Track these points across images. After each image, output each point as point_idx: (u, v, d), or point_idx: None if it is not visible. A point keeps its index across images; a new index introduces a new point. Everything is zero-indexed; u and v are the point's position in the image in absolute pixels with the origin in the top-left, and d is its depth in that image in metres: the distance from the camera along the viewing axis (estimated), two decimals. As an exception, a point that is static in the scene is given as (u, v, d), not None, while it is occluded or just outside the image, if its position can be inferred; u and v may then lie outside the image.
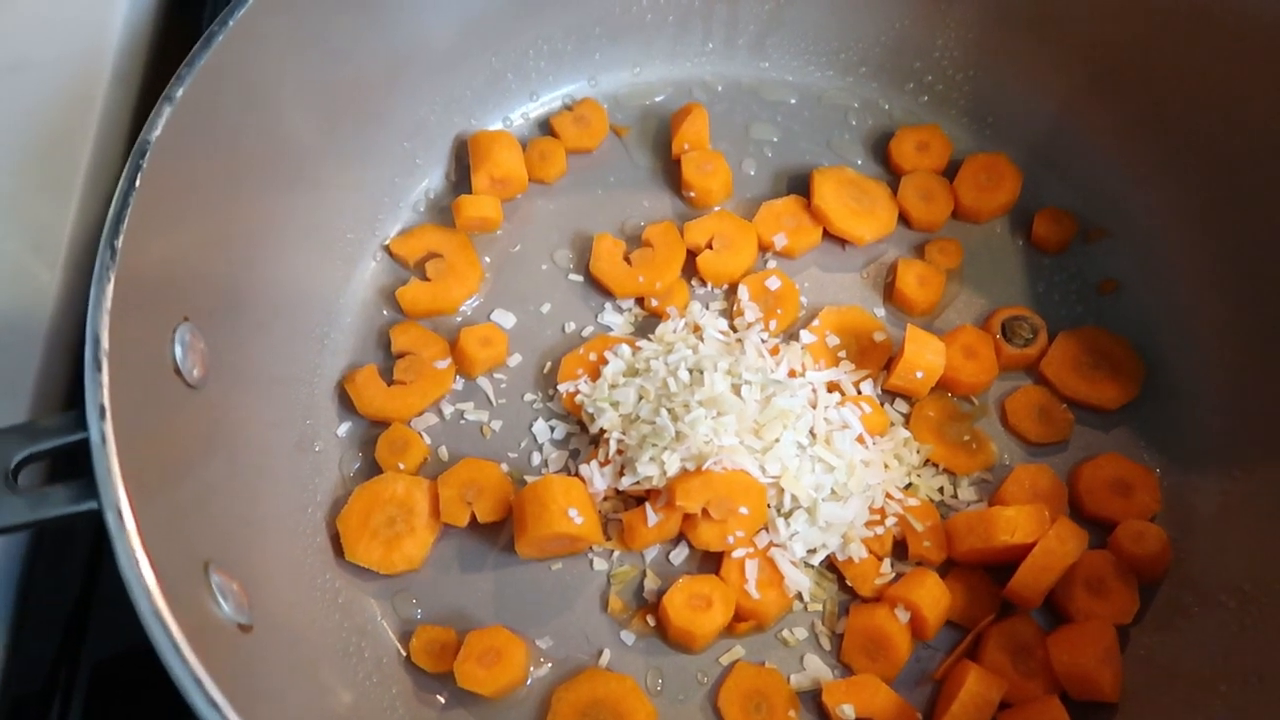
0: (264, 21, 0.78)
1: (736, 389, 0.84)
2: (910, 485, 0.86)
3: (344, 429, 0.89)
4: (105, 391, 0.62)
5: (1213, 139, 0.88)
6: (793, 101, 1.06)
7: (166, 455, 0.70)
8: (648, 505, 0.82)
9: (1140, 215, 0.95)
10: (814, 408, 0.85)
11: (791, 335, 0.92)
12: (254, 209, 0.84)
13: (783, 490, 0.81)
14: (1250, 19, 0.79)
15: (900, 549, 0.83)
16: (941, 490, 0.86)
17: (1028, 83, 0.99)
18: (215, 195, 0.79)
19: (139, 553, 0.58)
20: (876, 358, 0.91)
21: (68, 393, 0.88)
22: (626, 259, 0.96)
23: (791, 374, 0.87)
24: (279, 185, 0.86)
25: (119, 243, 0.67)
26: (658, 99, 1.06)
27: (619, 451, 0.84)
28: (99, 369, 0.63)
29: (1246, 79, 0.82)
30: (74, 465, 0.63)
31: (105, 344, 0.63)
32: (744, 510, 0.79)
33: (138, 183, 0.69)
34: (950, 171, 1.00)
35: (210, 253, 0.79)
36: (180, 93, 0.73)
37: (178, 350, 0.72)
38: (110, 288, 0.65)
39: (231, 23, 0.76)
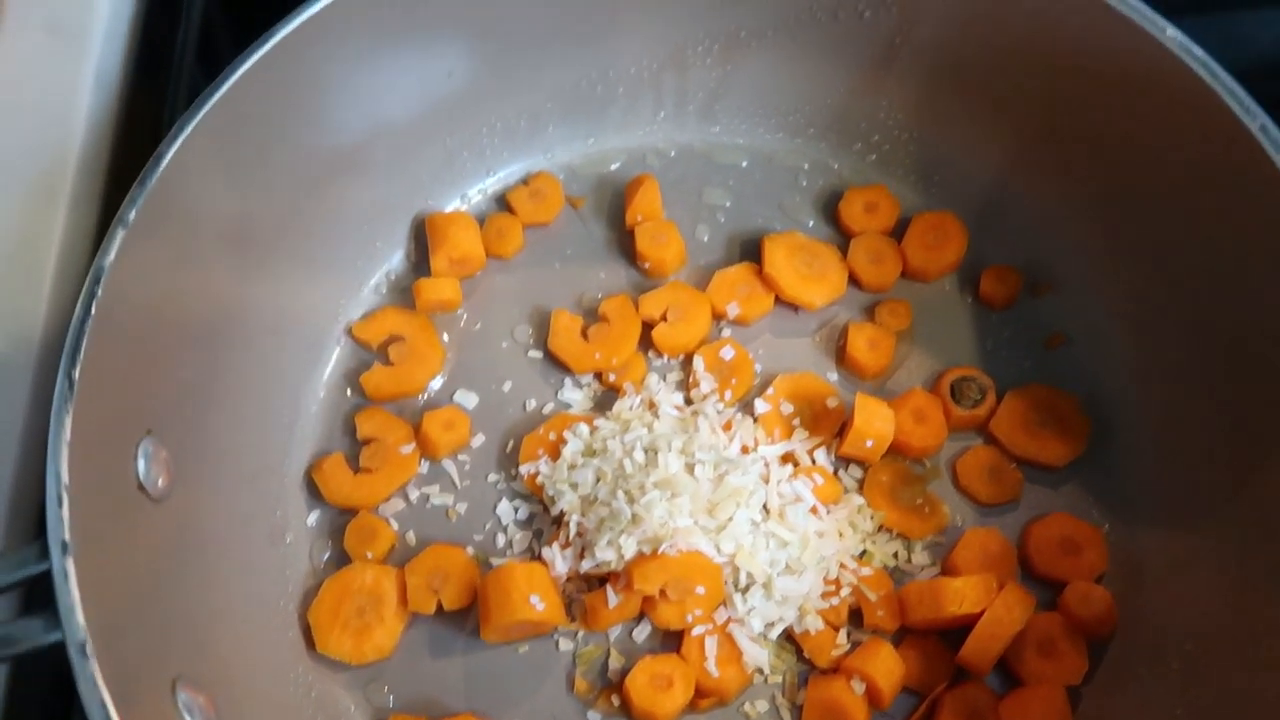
0: (215, 133, 0.80)
1: (690, 468, 0.86)
2: (865, 553, 0.88)
3: (313, 518, 0.92)
4: (66, 526, 0.64)
5: (1149, 195, 0.90)
6: (744, 164, 1.08)
7: (134, 575, 0.72)
8: (609, 587, 0.84)
9: (1084, 270, 0.97)
10: (767, 483, 0.87)
11: (747, 404, 0.94)
12: (216, 310, 0.86)
13: (738, 567, 0.83)
14: (1174, 82, 0.81)
15: (856, 617, 0.86)
16: (896, 555, 0.89)
17: (969, 142, 1.01)
18: (175, 307, 0.81)
19: (101, 688, 0.60)
20: (830, 424, 0.93)
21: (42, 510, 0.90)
22: (584, 334, 0.98)
23: (744, 450, 0.89)
24: (241, 283, 0.89)
25: (76, 372, 0.69)
26: (612, 168, 1.08)
27: (579, 534, 0.86)
28: (60, 504, 0.65)
29: (1176, 138, 0.84)
30: (50, 592, 0.65)
31: (65, 478, 0.66)
32: (701, 590, 0.82)
33: (93, 310, 0.71)
34: (899, 230, 1.02)
35: (172, 362, 0.81)
36: (133, 215, 0.75)
37: (141, 465, 0.75)
38: (69, 420, 0.68)
39: (180, 139, 0.78)
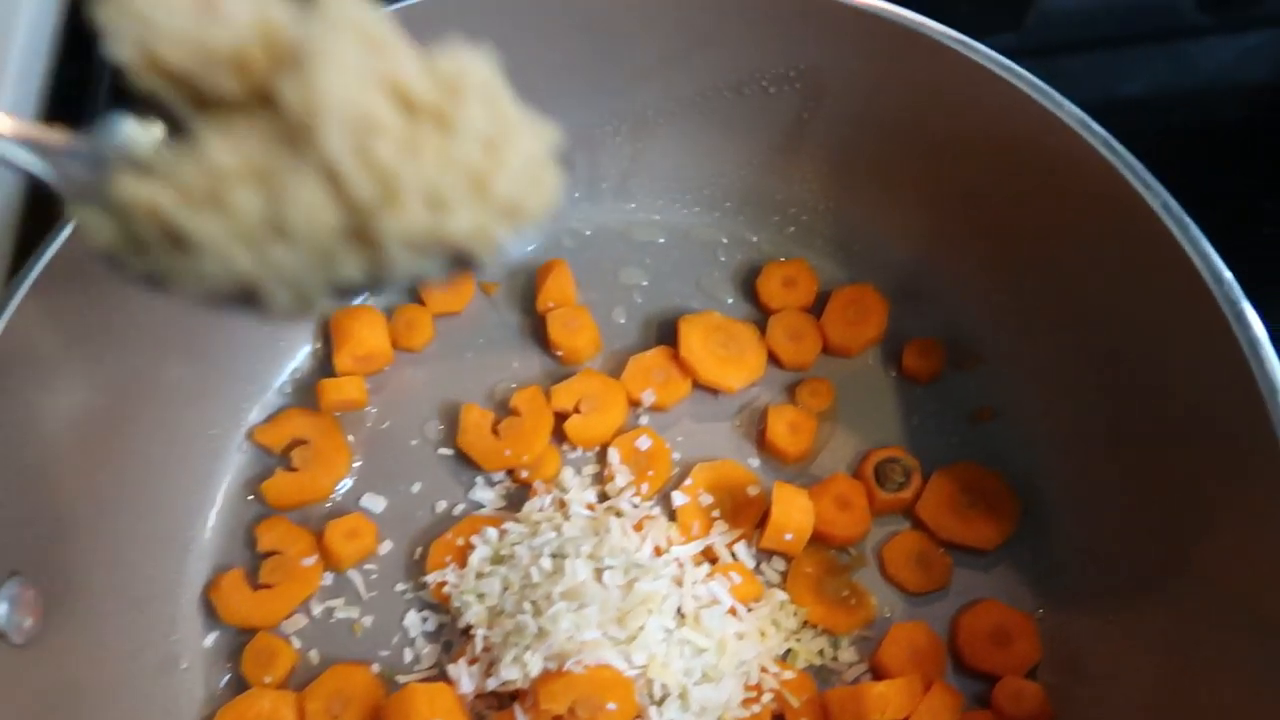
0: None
1: (599, 574, 0.82)
2: (789, 652, 0.84)
3: (211, 639, 0.87)
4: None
5: (1064, 267, 0.87)
6: (661, 241, 1.06)
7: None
8: (516, 707, 0.80)
9: (1008, 341, 0.95)
10: (681, 585, 0.83)
11: (665, 496, 0.91)
12: (96, 426, 0.82)
13: (652, 679, 0.79)
14: (1075, 159, 0.79)
15: (780, 724, 0.82)
16: (822, 653, 0.85)
17: (885, 214, 0.98)
18: (49, 436, 0.77)
19: None
20: (751, 514, 0.89)
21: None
22: (495, 430, 0.94)
23: (657, 551, 0.85)
24: (125, 393, 0.85)
25: (-77, 521, 0.65)
26: (527, 250, 1.05)
27: (486, 649, 0.82)
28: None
29: (1083, 214, 0.82)
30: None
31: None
32: (612, 706, 0.77)
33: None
34: (819, 304, 0.99)
35: (45, 495, 0.77)
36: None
37: (3, 610, 0.70)
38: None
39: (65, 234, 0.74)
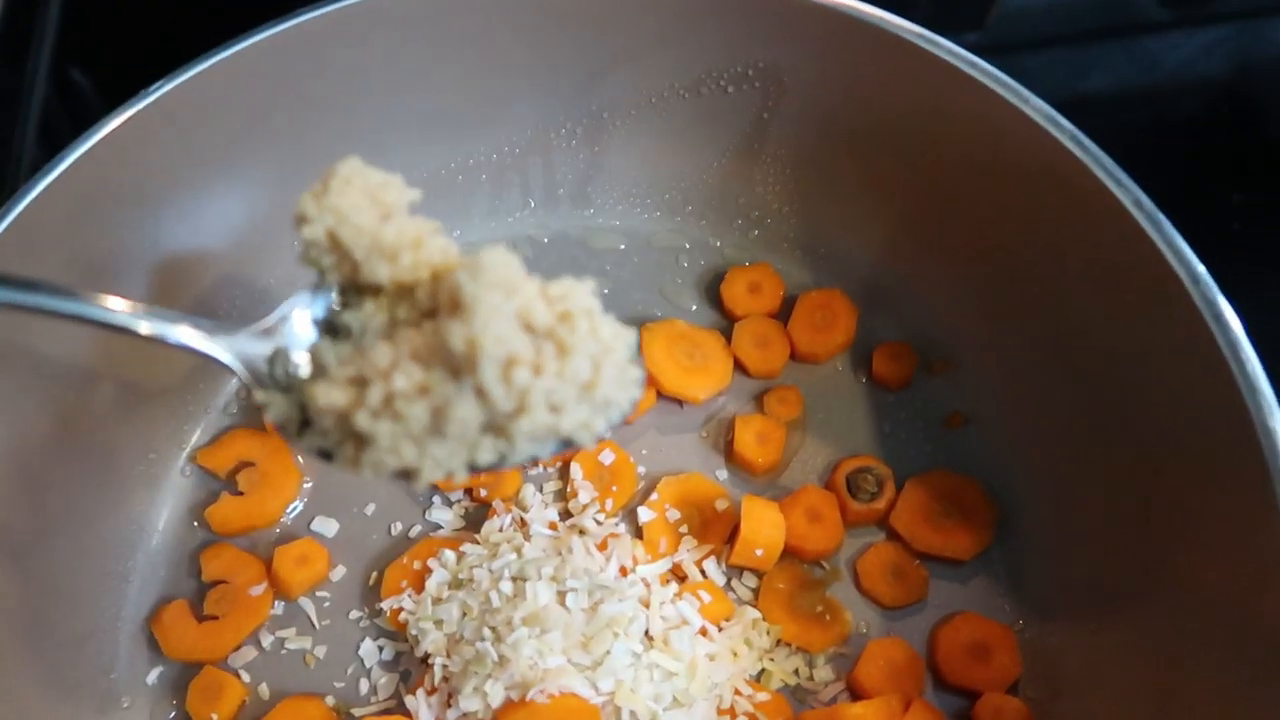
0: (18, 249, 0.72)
1: (562, 597, 0.79)
2: (763, 672, 0.81)
3: (154, 676, 0.83)
4: None
5: (1032, 268, 0.84)
6: (622, 247, 1.02)
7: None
8: (478, 738, 0.76)
9: (979, 345, 0.92)
10: (647, 607, 0.80)
11: (630, 512, 0.87)
12: (34, 452, 0.77)
13: (619, 706, 0.75)
14: (1044, 155, 0.76)
15: (754, 749, 0.78)
16: (797, 672, 0.81)
17: (851, 216, 0.96)
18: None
19: None
20: (720, 529, 0.86)
21: None
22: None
23: (623, 571, 0.82)
24: (65, 417, 0.80)
25: None
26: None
27: (445, 679, 0.78)
28: None
29: (1052, 212, 0.79)
30: None
31: None
32: (578, 736, 0.74)
33: None
34: (786, 310, 0.96)
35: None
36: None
37: (-78, 652, 0.65)
38: None
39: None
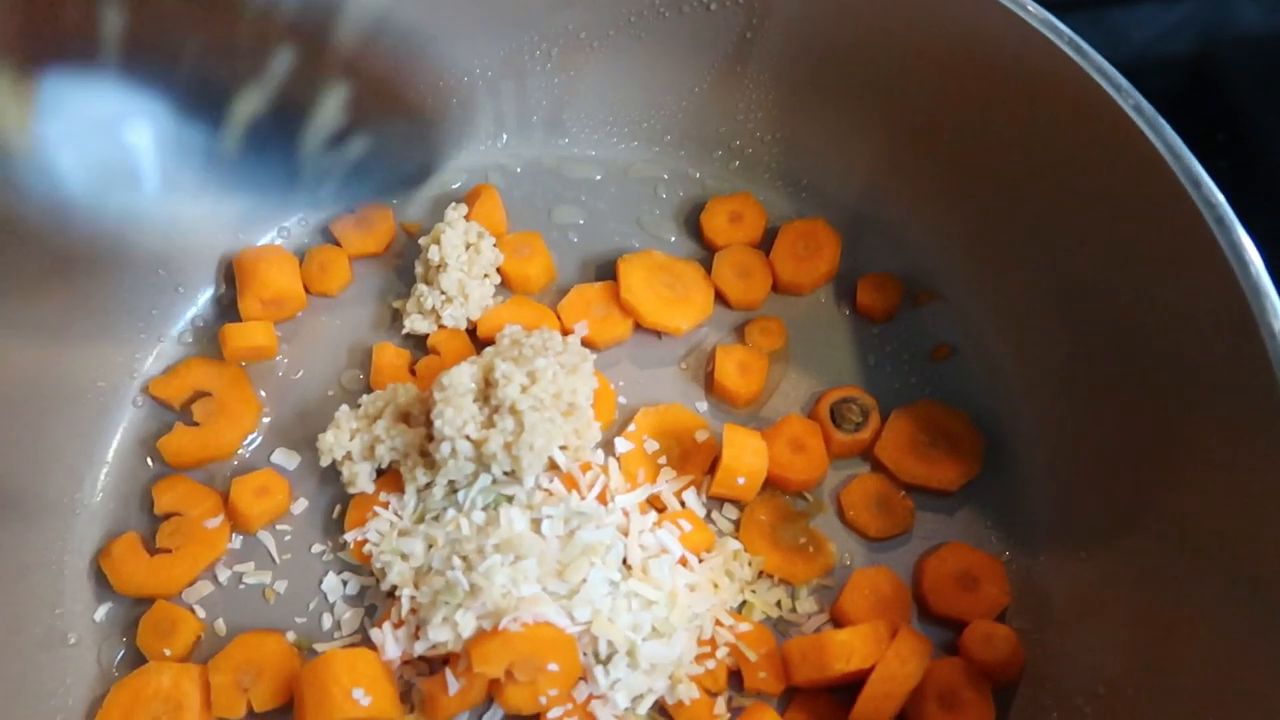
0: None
1: (537, 525, 0.75)
2: (744, 604, 0.78)
3: (102, 613, 0.78)
4: None
5: (1028, 190, 0.82)
6: (598, 178, 0.99)
7: None
8: (448, 671, 0.72)
9: (967, 275, 0.90)
10: (626, 535, 0.76)
11: (607, 442, 0.84)
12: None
13: (597, 636, 0.72)
14: (1042, 65, 0.74)
15: (736, 680, 0.75)
16: (779, 604, 0.79)
17: (837, 142, 0.92)
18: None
19: None
20: (700, 460, 0.83)
21: None
22: (411, 370, 0.86)
23: (601, 499, 0.78)
24: (8, 339, 0.75)
25: None
26: (452, 188, 0.98)
27: (413, 610, 0.74)
28: None
29: (1050, 126, 0.77)
30: None
31: None
32: (554, 666, 0.70)
33: None
34: (768, 241, 0.93)
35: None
36: None
37: None
38: None
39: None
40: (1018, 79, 0.76)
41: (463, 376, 0.76)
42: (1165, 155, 0.66)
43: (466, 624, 0.70)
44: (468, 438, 0.75)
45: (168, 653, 0.75)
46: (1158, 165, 0.66)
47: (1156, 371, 0.73)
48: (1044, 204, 0.79)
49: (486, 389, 0.77)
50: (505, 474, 0.77)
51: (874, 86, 0.87)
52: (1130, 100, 0.68)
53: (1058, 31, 0.71)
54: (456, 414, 0.74)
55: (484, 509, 0.76)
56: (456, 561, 0.73)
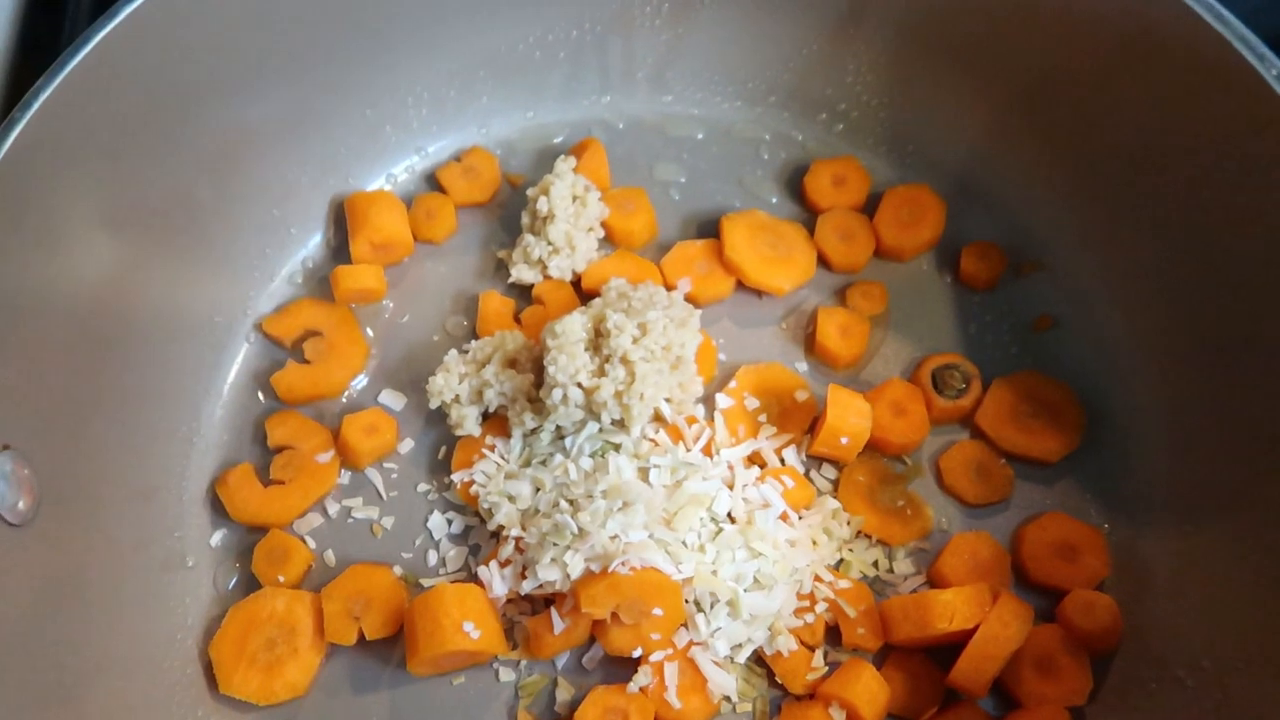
0: (85, 93, 0.69)
1: (644, 474, 0.76)
2: (842, 562, 0.79)
3: (218, 538, 0.81)
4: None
5: (1144, 160, 0.81)
6: (700, 136, 0.99)
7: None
8: (553, 610, 0.74)
9: (1073, 247, 0.89)
10: (731, 488, 0.77)
11: (707, 398, 0.85)
12: (94, 305, 0.75)
13: (700, 585, 0.73)
14: (1175, 34, 0.73)
15: (834, 636, 0.76)
16: (876, 564, 0.79)
17: (946, 108, 0.92)
18: (43, 306, 0.70)
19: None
20: (800, 419, 0.84)
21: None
22: (517, 318, 0.88)
23: (706, 451, 0.79)
24: (125, 274, 0.78)
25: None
26: (555, 141, 0.98)
27: (519, 550, 0.76)
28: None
29: (1177, 97, 0.76)
30: None
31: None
32: (658, 611, 0.72)
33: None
34: (870, 206, 0.93)
35: (39, 366, 0.70)
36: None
37: (-7, 486, 0.63)
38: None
39: (39, 102, 0.67)
40: (1143, 45, 0.75)
41: (575, 325, 0.77)
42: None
43: (575, 565, 0.72)
44: (579, 385, 0.76)
45: (281, 579, 0.78)
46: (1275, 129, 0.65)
47: (1266, 355, 0.73)
48: (1163, 174, 0.78)
49: (597, 339, 0.78)
50: (613, 422, 0.78)
51: (987, 50, 0.86)
52: (1273, 70, 0.67)
53: (1197, -2, 0.70)
54: (570, 361, 0.76)
55: (591, 455, 0.78)
56: (564, 505, 0.74)
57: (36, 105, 0.66)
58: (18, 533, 0.65)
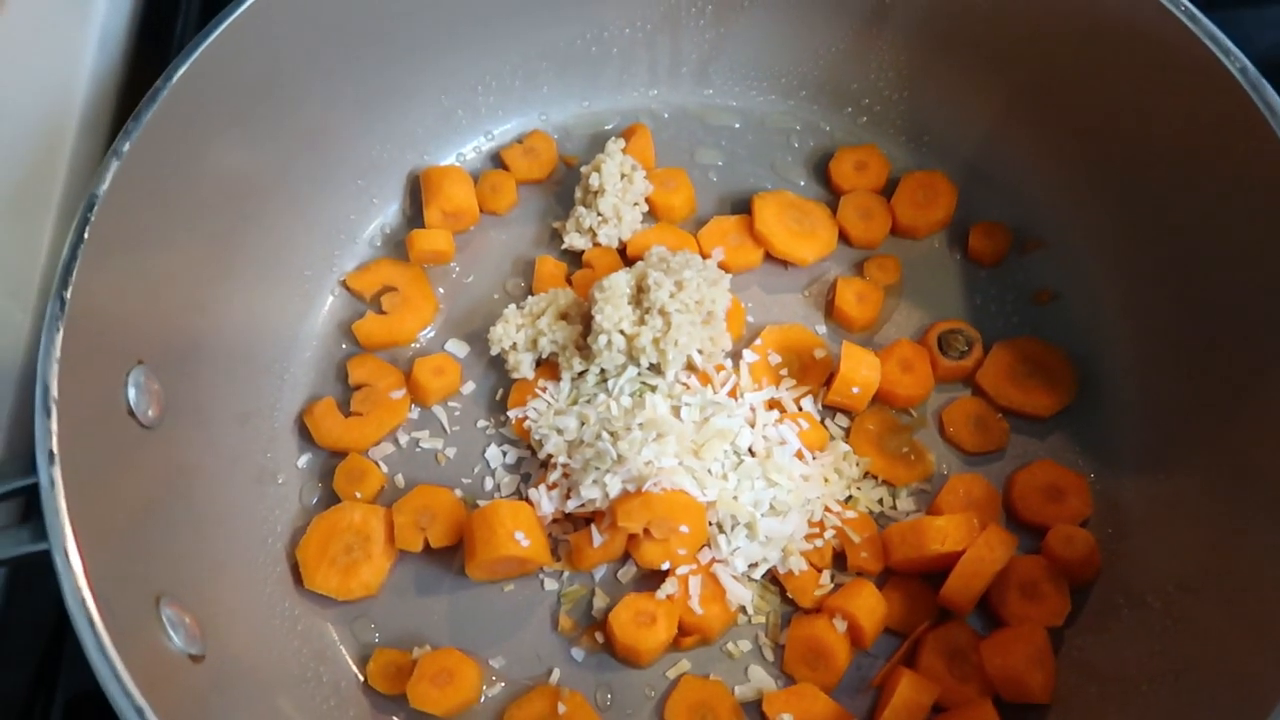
0: (209, 73, 0.81)
1: (676, 411, 0.87)
2: (850, 498, 0.89)
3: (304, 460, 0.93)
4: (54, 437, 0.65)
5: (1138, 151, 0.90)
6: (736, 126, 1.09)
7: (121, 495, 0.73)
8: (593, 526, 0.85)
9: (1073, 227, 0.98)
10: (752, 426, 0.88)
11: (735, 353, 0.95)
12: (208, 254, 0.87)
13: (723, 508, 0.83)
14: (1162, 43, 0.82)
15: (840, 560, 0.86)
16: (881, 501, 0.89)
17: (959, 101, 1.02)
18: (168, 243, 0.82)
19: (84, 590, 0.61)
20: (817, 374, 0.93)
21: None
22: (568, 280, 0.99)
23: (732, 394, 0.90)
24: (233, 229, 0.90)
25: (68, 293, 0.70)
26: (606, 128, 1.10)
27: (565, 475, 0.87)
28: (48, 415, 0.66)
29: (1164, 100, 0.85)
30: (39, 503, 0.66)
31: (54, 391, 0.67)
32: (684, 529, 0.82)
33: (86, 235, 0.73)
34: (889, 189, 1.03)
35: (165, 298, 0.82)
36: (127, 147, 0.76)
37: (131, 393, 0.75)
38: (59, 337, 0.69)
39: (175, 78, 0.80)
40: (1135, 48, 0.84)
41: (620, 281, 0.88)
42: (1268, 117, 0.74)
43: (614, 486, 0.82)
44: (622, 332, 0.87)
45: (358, 495, 0.89)
46: (1260, 126, 0.74)
47: (1241, 329, 0.82)
48: (1153, 167, 0.88)
49: (639, 294, 0.89)
50: (650, 367, 0.89)
51: (999, 53, 0.96)
52: (1237, 64, 0.76)
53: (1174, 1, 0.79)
54: (614, 310, 0.87)
55: (630, 395, 0.88)
56: (605, 435, 0.85)
57: (178, 75, 0.78)
58: (147, 434, 0.77)
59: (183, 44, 1.09)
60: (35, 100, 1.05)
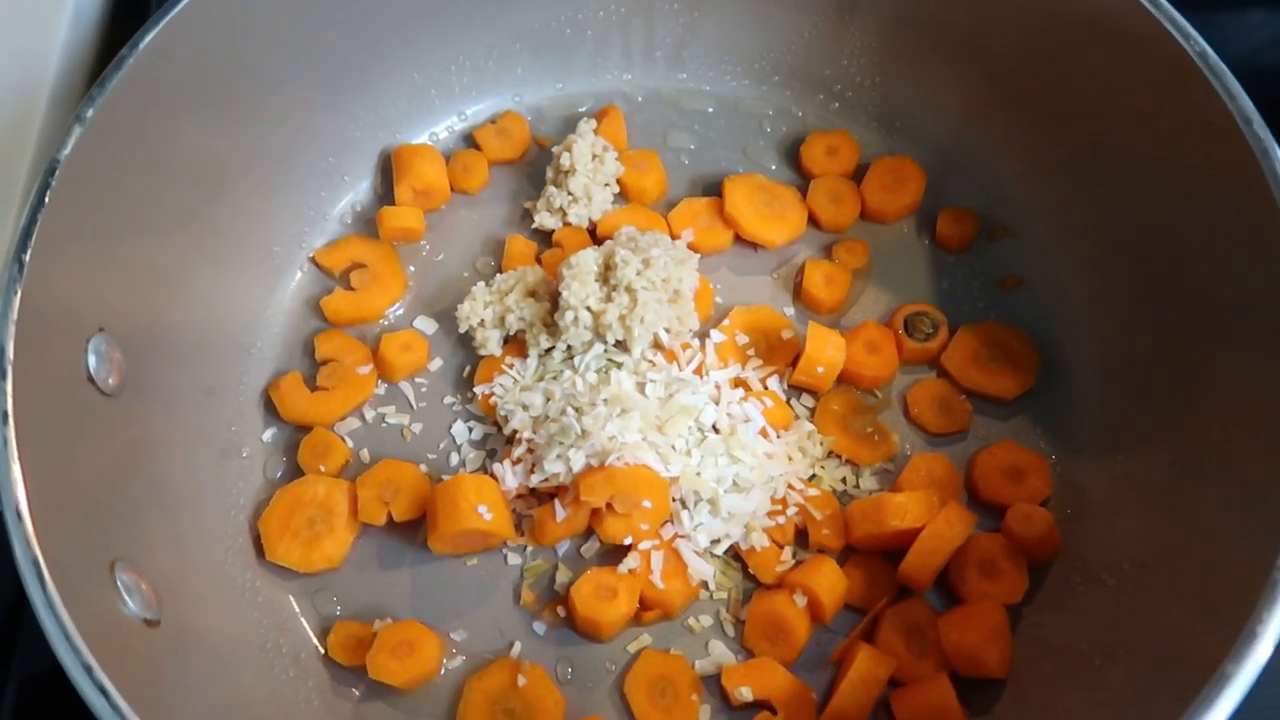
0: (178, 44, 0.81)
1: (641, 387, 0.87)
2: (814, 476, 0.89)
3: (269, 434, 0.93)
4: (9, 398, 0.65)
5: (1103, 139, 0.91)
6: (710, 110, 1.10)
7: (79, 460, 0.73)
8: (556, 501, 0.85)
9: (1039, 215, 0.99)
10: (717, 404, 0.88)
11: (703, 333, 0.95)
12: (175, 225, 0.87)
13: (686, 484, 0.84)
14: (1124, 29, 0.83)
15: (802, 537, 0.87)
16: (844, 480, 0.90)
17: (929, 88, 1.02)
18: (133, 212, 0.82)
19: (35, 548, 0.61)
20: (784, 355, 0.94)
21: None
22: (537, 259, 0.99)
23: (697, 372, 0.90)
24: (201, 202, 0.90)
25: (26, 256, 0.70)
26: (580, 110, 1.10)
27: (529, 450, 0.87)
28: (3, 376, 0.66)
29: (1129, 88, 0.86)
30: None
31: (10, 353, 0.67)
32: (647, 504, 0.82)
33: (46, 199, 0.72)
34: (859, 174, 1.04)
35: (130, 267, 0.82)
36: (90, 113, 0.77)
37: (91, 360, 0.75)
38: (17, 300, 0.69)
39: (141, 45, 0.80)
40: (1100, 36, 0.85)
41: (588, 258, 0.89)
42: (1226, 102, 0.75)
43: (577, 460, 0.83)
44: (589, 309, 0.87)
45: (323, 469, 0.89)
46: (1220, 114, 0.75)
47: (1198, 315, 0.83)
48: (1117, 159, 0.89)
49: (606, 272, 0.89)
50: (616, 343, 0.90)
51: (970, 41, 0.97)
52: (1196, 47, 0.77)
53: (1139, -10, 0.80)
54: (582, 287, 0.87)
55: (596, 372, 0.89)
56: (570, 411, 0.85)
57: (144, 43, 0.78)
58: (109, 401, 0.77)
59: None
60: (5, 72, 1.05)
